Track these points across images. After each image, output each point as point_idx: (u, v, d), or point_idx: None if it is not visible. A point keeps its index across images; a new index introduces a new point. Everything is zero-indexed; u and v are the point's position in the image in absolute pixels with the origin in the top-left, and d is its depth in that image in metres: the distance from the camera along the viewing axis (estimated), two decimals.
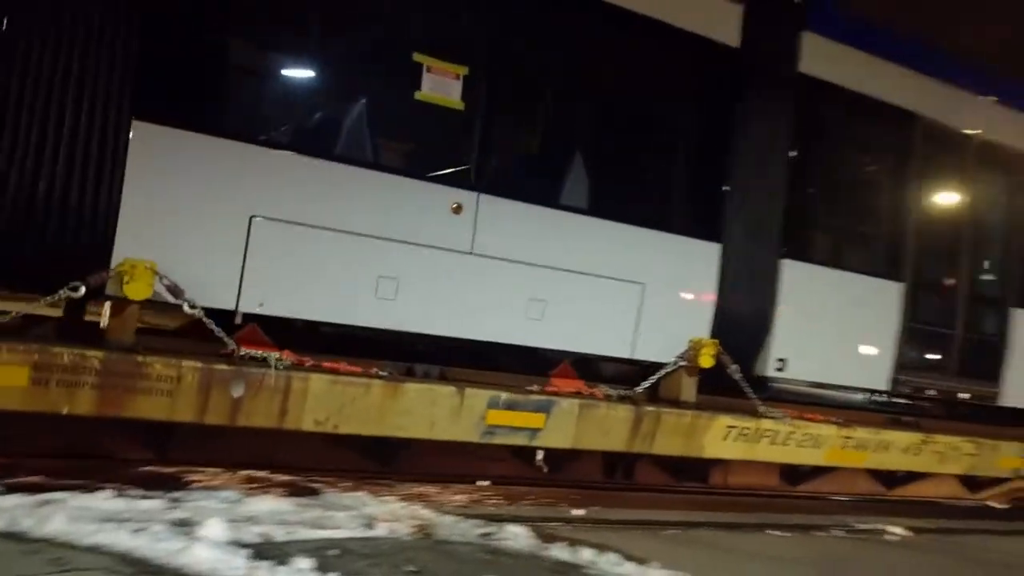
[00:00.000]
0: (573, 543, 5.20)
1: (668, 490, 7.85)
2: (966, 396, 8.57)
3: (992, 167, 8.66)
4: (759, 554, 6.03)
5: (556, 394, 6.26)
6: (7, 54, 4.61)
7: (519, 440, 6.22)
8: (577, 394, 6.36)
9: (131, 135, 4.94)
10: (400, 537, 4.82)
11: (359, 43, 5.82)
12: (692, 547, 5.95)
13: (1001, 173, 8.75)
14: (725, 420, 6.91)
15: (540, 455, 6.75)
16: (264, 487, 5.86)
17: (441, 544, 4.88)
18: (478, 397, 5.89)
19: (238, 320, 5.37)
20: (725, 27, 7.08)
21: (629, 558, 5.06)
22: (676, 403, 6.85)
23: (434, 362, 6.14)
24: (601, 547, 5.15)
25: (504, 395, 6.00)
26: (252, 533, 4.28)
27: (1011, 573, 6.54)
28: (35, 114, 4.72)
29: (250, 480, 6.06)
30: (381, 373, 5.63)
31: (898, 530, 7.38)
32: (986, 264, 8.79)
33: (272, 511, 4.87)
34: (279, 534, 4.38)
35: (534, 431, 6.16)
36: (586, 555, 5.05)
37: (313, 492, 5.72)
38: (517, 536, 5.22)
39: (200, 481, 5.84)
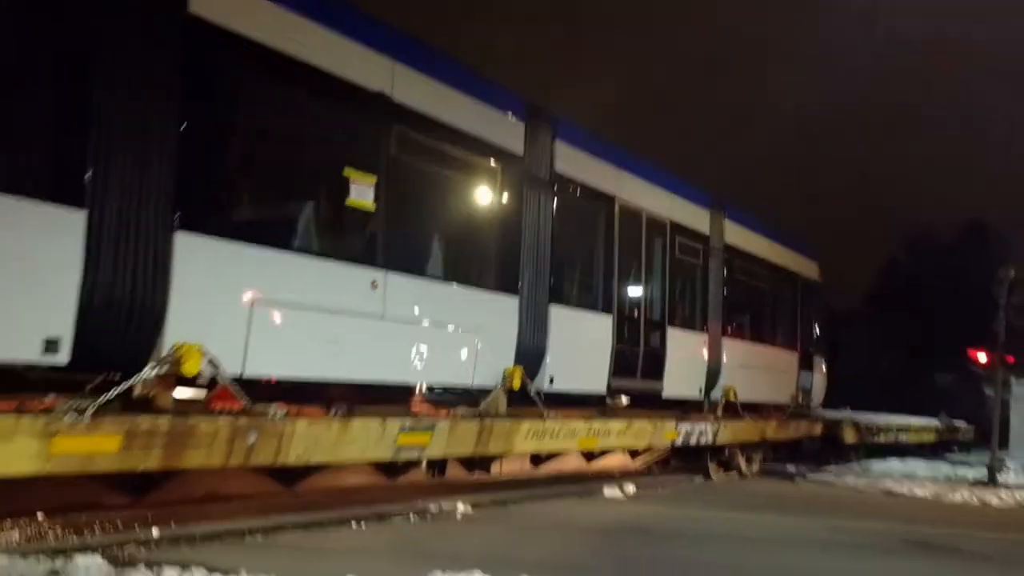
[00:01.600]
0: (154, 564, 5.14)
1: (250, 496, 8.06)
2: (646, 391, 12.23)
3: (658, 232, 12.47)
4: (340, 549, 6.50)
5: (436, 417, 8.45)
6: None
7: (414, 455, 8.34)
8: (448, 415, 8.59)
9: (175, 244, 6.23)
10: None
11: (317, 169, 7.55)
12: (277, 551, 6.23)
13: (659, 236, 12.58)
14: (526, 424, 9.60)
15: (424, 464, 8.87)
16: None
17: None
18: (393, 425, 7.90)
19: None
20: (518, 141, 9.77)
21: (215, 570, 5.10)
22: (496, 415, 9.36)
23: (356, 403, 7.94)
24: (184, 564, 5.13)
25: (408, 421, 8.07)
26: None
27: (540, 531, 7.94)
28: (110, 235, 5.86)
29: None
30: (326, 413, 7.40)
31: (461, 507, 8.61)
32: (654, 299, 12.55)
33: None
34: None
35: (423, 447, 8.30)
36: (170, 575, 5.04)
37: None
38: (89, 567, 5.02)
39: None
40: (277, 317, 6.99)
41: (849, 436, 19.30)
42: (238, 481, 8.03)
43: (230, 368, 6.60)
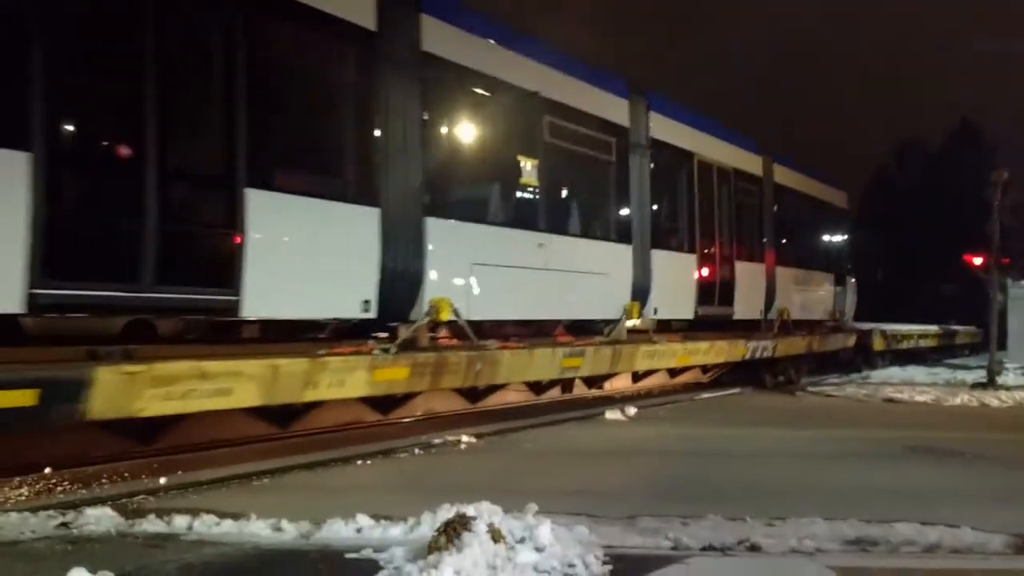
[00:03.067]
0: (164, 513, 5.15)
1: (256, 440, 8.16)
2: (721, 315, 14.54)
3: (725, 180, 14.65)
4: (347, 486, 6.54)
5: (584, 344, 10.77)
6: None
7: (571, 374, 10.70)
8: (591, 343, 10.91)
9: (426, 226, 8.45)
10: None
11: (503, 157, 9.73)
12: (286, 492, 6.25)
13: (726, 183, 14.74)
14: (643, 347, 11.94)
15: (577, 383, 11.25)
16: None
17: (11, 546, 4.59)
18: (559, 352, 10.22)
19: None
20: (623, 115, 11.90)
21: (225, 515, 5.10)
22: (619, 342, 11.67)
23: (525, 336, 10.23)
24: (194, 511, 5.14)
25: (568, 349, 10.39)
26: None
27: (544, 457, 8.15)
28: (392, 224, 8.06)
29: None
30: (521, 345, 9.70)
31: (465, 438, 8.76)
32: (725, 237, 14.74)
33: None
34: None
35: (577, 368, 10.64)
36: (180, 522, 5.00)
37: None
38: (100, 519, 5.00)
39: None
40: (484, 274, 9.23)
41: (878, 344, 21.73)
42: (440, 401, 10.39)
43: (462, 315, 8.87)
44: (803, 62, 77.79)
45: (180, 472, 6.70)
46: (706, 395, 14.55)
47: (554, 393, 12.34)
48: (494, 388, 10.75)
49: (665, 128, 12.91)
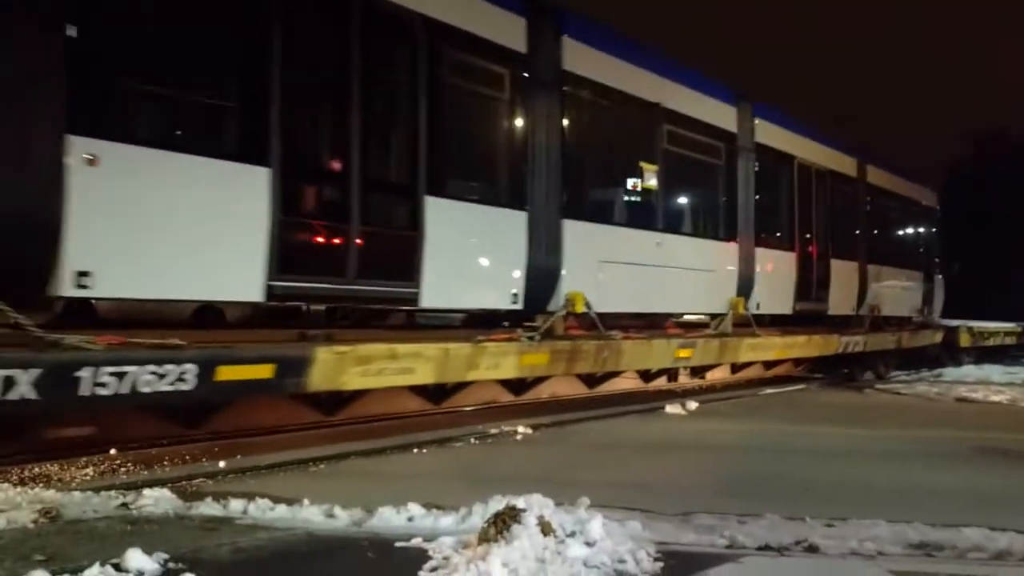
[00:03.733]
0: (220, 496, 5.22)
1: (315, 426, 8.26)
2: (817, 310, 15.20)
3: (822, 181, 15.28)
4: (402, 474, 6.61)
5: (695, 336, 11.63)
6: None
7: (682, 364, 11.58)
8: (702, 335, 11.76)
9: (564, 228, 9.40)
10: (23, 525, 4.57)
11: (627, 164, 10.66)
12: (341, 478, 6.30)
13: (823, 184, 15.39)
14: (747, 340, 12.72)
15: (687, 371, 12.14)
16: None
17: (73, 524, 4.66)
18: (674, 343, 11.09)
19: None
20: (732, 122, 12.68)
21: (280, 500, 5.17)
22: (725, 335, 12.48)
23: (643, 328, 11.13)
24: (250, 495, 5.22)
25: (681, 340, 11.26)
26: None
27: (600, 450, 8.09)
28: (536, 226, 9.04)
29: None
30: (642, 336, 10.60)
31: (521, 429, 8.76)
32: (822, 236, 15.37)
33: None
34: None
35: (688, 359, 11.51)
36: (236, 506, 5.06)
37: None
38: (159, 500, 5.11)
39: None
40: (610, 271, 10.16)
41: (964, 340, 21.93)
42: (562, 386, 11.36)
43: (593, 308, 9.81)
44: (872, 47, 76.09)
45: (239, 456, 6.87)
46: (770, 390, 14.27)
47: (660, 382, 13.25)
48: (609, 375, 11.67)
49: (768, 133, 13.64)
